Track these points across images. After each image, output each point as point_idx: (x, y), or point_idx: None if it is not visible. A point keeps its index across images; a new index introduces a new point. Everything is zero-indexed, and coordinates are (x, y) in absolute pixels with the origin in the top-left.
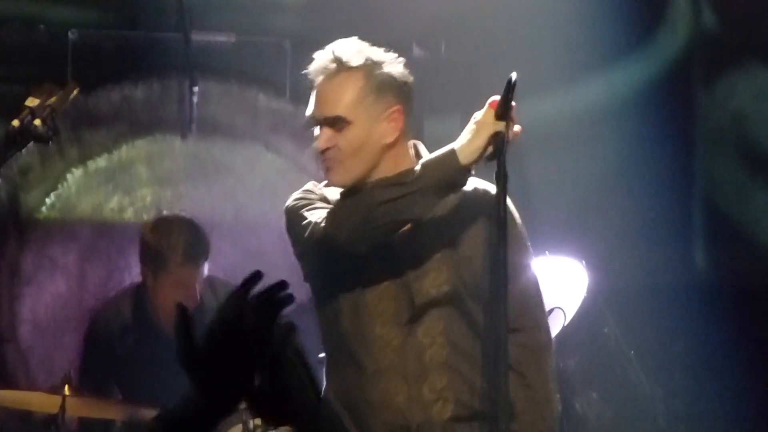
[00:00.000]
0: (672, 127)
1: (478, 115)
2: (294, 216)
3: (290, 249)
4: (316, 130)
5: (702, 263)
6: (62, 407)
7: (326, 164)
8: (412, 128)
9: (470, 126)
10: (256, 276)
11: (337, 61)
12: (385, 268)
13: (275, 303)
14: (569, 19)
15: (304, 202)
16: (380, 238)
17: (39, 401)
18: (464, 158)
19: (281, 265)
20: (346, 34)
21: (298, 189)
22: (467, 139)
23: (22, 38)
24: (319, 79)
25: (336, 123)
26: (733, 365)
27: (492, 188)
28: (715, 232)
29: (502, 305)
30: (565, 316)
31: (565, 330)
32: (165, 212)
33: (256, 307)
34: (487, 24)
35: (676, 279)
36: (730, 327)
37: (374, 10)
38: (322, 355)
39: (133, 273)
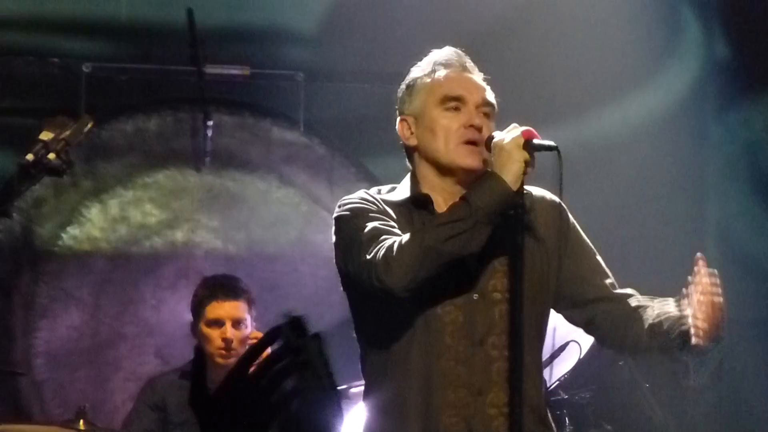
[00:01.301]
0: (685, 157)
1: (504, 140)
2: (343, 233)
3: (303, 282)
4: (457, 110)
5: None
6: None
7: (472, 143)
8: None
9: (504, 150)
10: (275, 333)
11: (461, 56)
12: (458, 279)
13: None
14: (583, 49)
15: (354, 214)
16: (434, 277)
17: None
18: (512, 183)
19: (295, 296)
20: (360, 67)
21: (311, 221)
22: (507, 163)
23: (36, 71)
24: (463, 67)
25: (490, 109)
26: (748, 398)
27: (546, 193)
28: (728, 263)
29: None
30: (581, 348)
31: (580, 362)
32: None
33: (272, 367)
34: (502, 53)
35: None
36: (743, 357)
37: (386, 43)
38: (354, 389)
39: (147, 305)
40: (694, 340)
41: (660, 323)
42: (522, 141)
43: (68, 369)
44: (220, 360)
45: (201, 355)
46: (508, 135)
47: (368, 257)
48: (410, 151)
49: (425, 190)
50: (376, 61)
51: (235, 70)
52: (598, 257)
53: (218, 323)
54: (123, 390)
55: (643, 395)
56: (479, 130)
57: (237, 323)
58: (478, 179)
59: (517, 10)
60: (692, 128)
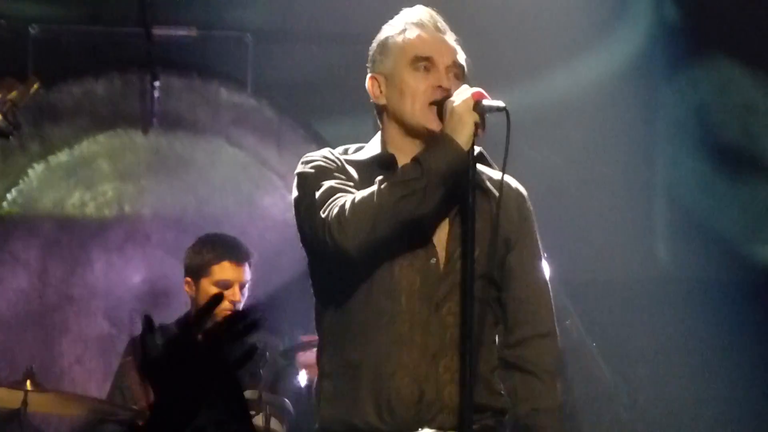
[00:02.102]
0: (634, 120)
1: (454, 102)
2: (305, 190)
3: (252, 244)
4: (427, 70)
5: (664, 256)
6: (24, 402)
7: (438, 103)
8: None
9: (455, 113)
10: (218, 298)
11: (434, 17)
12: (417, 242)
13: (238, 331)
14: (533, 11)
15: (317, 171)
16: (390, 239)
17: (1, 396)
18: (464, 145)
19: None
20: (309, 28)
21: (260, 183)
22: (458, 126)
23: None
24: (435, 27)
25: (460, 71)
26: (694, 357)
27: (516, 182)
28: (676, 224)
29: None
30: None
31: None
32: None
33: (218, 330)
34: (453, 15)
35: (638, 272)
36: (692, 319)
37: (337, 4)
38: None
39: (95, 268)
40: None
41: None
42: (472, 103)
43: (16, 332)
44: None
45: (149, 322)
46: (458, 97)
47: (322, 216)
48: (380, 110)
49: (392, 150)
50: (324, 23)
51: (182, 31)
52: (538, 271)
53: (227, 285)
54: (71, 352)
55: (590, 355)
56: (446, 91)
57: (242, 287)
58: (430, 141)
59: None
60: (641, 91)
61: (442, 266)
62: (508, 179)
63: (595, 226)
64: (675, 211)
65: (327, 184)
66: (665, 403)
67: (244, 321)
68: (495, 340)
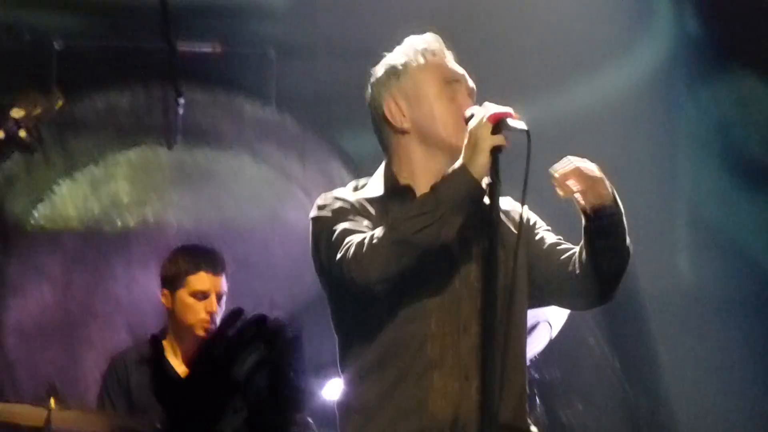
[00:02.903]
0: (656, 134)
1: (472, 123)
2: (322, 235)
3: (275, 259)
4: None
5: (686, 271)
6: (48, 420)
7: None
8: None
9: (470, 137)
10: (236, 313)
11: (445, 48)
12: (442, 266)
13: (256, 342)
14: (555, 24)
15: (333, 215)
16: (412, 268)
17: (25, 414)
18: (477, 174)
19: (267, 274)
20: (331, 43)
21: (284, 198)
22: (473, 154)
23: (7, 47)
24: (446, 51)
25: (473, 91)
26: (716, 372)
27: (512, 201)
28: (698, 239)
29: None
30: (551, 328)
31: (551, 342)
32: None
33: (236, 346)
34: (473, 31)
35: (661, 287)
36: (714, 335)
37: (359, 19)
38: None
39: (118, 282)
40: (580, 205)
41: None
42: (489, 126)
43: (40, 347)
44: (201, 332)
45: (157, 343)
46: (475, 118)
47: (339, 256)
48: (397, 134)
49: (407, 176)
50: (348, 37)
51: (207, 47)
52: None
53: (204, 295)
54: (95, 367)
55: (614, 373)
56: (471, 118)
57: (219, 297)
58: (449, 170)
59: None
60: (663, 105)
61: (467, 290)
62: (508, 202)
63: None
64: (697, 227)
65: (341, 226)
66: (686, 419)
67: (263, 339)
68: (525, 358)
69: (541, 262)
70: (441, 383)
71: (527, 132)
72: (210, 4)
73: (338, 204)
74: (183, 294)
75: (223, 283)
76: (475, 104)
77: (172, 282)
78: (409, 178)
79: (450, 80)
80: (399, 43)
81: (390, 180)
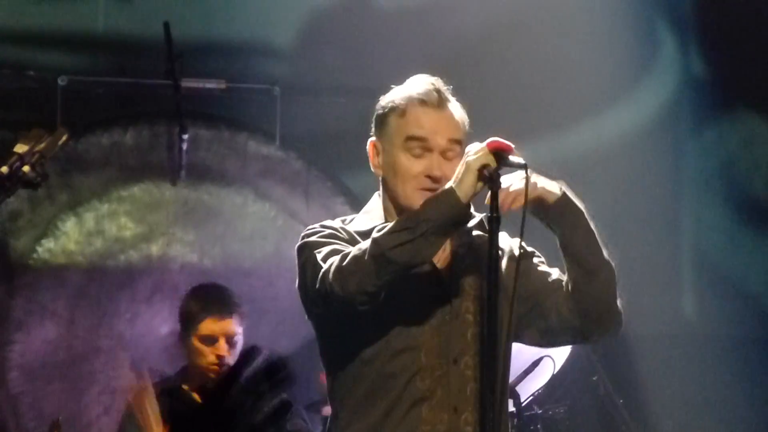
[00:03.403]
0: (660, 174)
1: (469, 152)
2: (304, 256)
3: (279, 295)
4: (417, 154)
5: (690, 311)
6: None
7: (428, 190)
8: None
9: (464, 163)
10: (253, 352)
11: (439, 91)
12: (431, 298)
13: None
14: (560, 65)
15: (316, 239)
16: (387, 287)
17: None
18: (463, 196)
19: (271, 310)
20: (336, 81)
21: (287, 234)
22: (462, 175)
23: (12, 84)
24: (438, 102)
25: (458, 150)
26: (721, 412)
27: (507, 237)
28: (703, 279)
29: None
30: (554, 364)
31: (554, 378)
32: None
33: (250, 391)
34: (479, 69)
35: (665, 327)
36: (719, 375)
37: (363, 57)
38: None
39: (122, 319)
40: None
41: None
42: (484, 154)
43: (43, 382)
44: (212, 375)
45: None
46: (473, 147)
47: (323, 271)
48: (377, 175)
49: (391, 214)
50: (352, 75)
51: (211, 84)
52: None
53: (212, 340)
54: (98, 403)
55: (616, 411)
56: (437, 180)
57: (230, 339)
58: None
59: (495, 26)
60: (668, 145)
61: (457, 322)
62: (505, 239)
63: (621, 281)
64: (701, 267)
65: (329, 247)
66: None
67: (272, 377)
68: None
69: (540, 295)
70: (430, 416)
71: (525, 166)
72: (215, 42)
73: (326, 231)
74: (193, 339)
75: (233, 324)
76: (462, 150)
77: (184, 326)
78: (393, 217)
79: (419, 137)
80: (402, 83)
81: (379, 215)
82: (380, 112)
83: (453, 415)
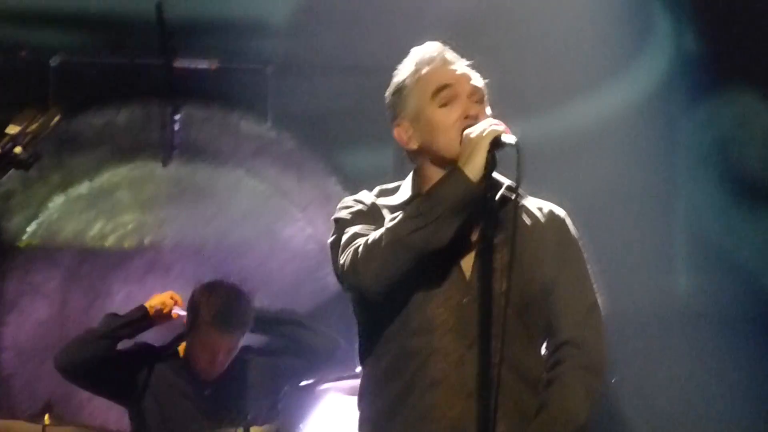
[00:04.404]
0: (654, 152)
1: (472, 132)
2: (333, 234)
3: (271, 275)
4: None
5: (684, 289)
6: None
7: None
8: None
9: (469, 143)
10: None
11: (449, 52)
12: (450, 279)
13: None
14: (553, 43)
15: (348, 217)
16: (406, 274)
17: (20, 430)
18: (473, 173)
19: (264, 290)
20: (328, 60)
21: (279, 214)
22: (470, 156)
23: (3, 63)
24: (445, 60)
25: (481, 95)
26: (715, 390)
27: (555, 208)
28: (697, 257)
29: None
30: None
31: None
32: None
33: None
34: (473, 47)
35: (658, 305)
36: (712, 352)
37: (356, 36)
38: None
39: (115, 299)
40: None
41: None
42: (489, 135)
43: (36, 363)
44: (203, 375)
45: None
46: (475, 128)
47: (341, 261)
48: (413, 155)
49: (425, 189)
50: (345, 54)
51: (203, 64)
52: (582, 282)
53: (211, 349)
54: None
55: (611, 389)
56: (475, 118)
57: (228, 352)
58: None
59: (489, 5)
60: (662, 123)
61: (475, 305)
62: (547, 206)
63: (615, 259)
64: (695, 244)
65: (352, 230)
66: None
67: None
68: (539, 373)
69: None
70: (443, 400)
71: (517, 145)
72: (207, 21)
73: (357, 207)
74: (194, 336)
75: (234, 340)
76: (486, 100)
77: (191, 318)
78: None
79: (441, 86)
80: (396, 61)
81: (413, 189)
82: (394, 88)
83: (467, 401)
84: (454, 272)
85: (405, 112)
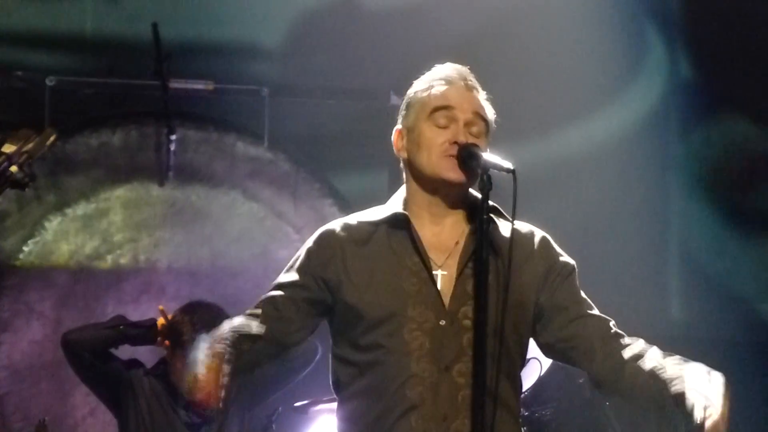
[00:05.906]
0: (648, 177)
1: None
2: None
3: None
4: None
5: (677, 314)
6: None
7: (454, 157)
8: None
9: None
10: None
11: (465, 74)
12: (429, 306)
13: None
14: (549, 68)
15: (295, 259)
16: (404, 301)
17: None
18: None
19: None
20: (324, 82)
21: (275, 236)
22: None
23: (0, 84)
24: (464, 85)
25: (482, 126)
26: None
27: (536, 229)
28: (690, 283)
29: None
30: (541, 366)
31: (541, 380)
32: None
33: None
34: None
35: (651, 329)
36: None
37: (352, 59)
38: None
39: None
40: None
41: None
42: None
43: (30, 383)
44: (187, 396)
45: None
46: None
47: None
48: (403, 164)
49: (413, 207)
50: (340, 77)
51: (199, 85)
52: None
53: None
54: (84, 404)
55: (603, 413)
56: (463, 146)
57: None
58: None
59: (483, 28)
60: (655, 147)
61: (452, 328)
62: (527, 228)
63: (608, 284)
64: (688, 270)
65: (275, 283)
66: None
67: None
68: (516, 399)
69: (553, 318)
70: (419, 425)
71: (513, 172)
72: (203, 43)
73: (306, 249)
74: (177, 357)
75: None
76: (486, 133)
77: (173, 342)
78: (408, 208)
79: (442, 107)
80: (391, 85)
81: (398, 204)
82: (407, 97)
83: (442, 424)
84: (430, 296)
85: (406, 120)
